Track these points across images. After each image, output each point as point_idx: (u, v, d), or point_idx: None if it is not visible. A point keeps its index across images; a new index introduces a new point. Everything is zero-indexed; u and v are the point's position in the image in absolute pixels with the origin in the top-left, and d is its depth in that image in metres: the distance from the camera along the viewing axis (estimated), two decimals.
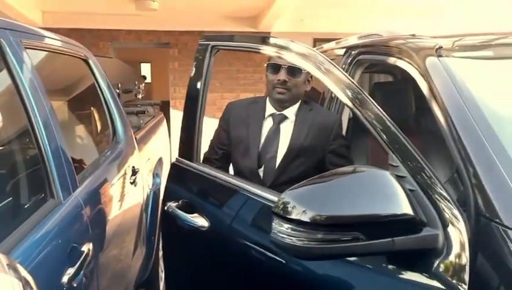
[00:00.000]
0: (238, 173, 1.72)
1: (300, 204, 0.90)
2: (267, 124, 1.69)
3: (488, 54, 1.43)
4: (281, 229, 0.92)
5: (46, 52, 1.70)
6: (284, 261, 1.26)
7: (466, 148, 0.97)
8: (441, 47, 1.33)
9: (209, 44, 1.62)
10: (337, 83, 1.18)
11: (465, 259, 0.86)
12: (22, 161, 1.31)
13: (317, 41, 6.43)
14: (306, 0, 5.30)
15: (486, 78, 1.28)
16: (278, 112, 1.69)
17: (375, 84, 2.16)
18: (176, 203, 1.55)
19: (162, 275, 2.80)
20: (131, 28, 6.55)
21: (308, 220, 0.88)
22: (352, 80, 1.19)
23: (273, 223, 0.95)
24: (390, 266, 0.99)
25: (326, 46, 2.55)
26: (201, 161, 1.70)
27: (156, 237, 2.70)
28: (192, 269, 1.59)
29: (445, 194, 0.92)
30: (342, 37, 2.35)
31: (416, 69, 1.30)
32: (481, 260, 0.84)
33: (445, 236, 0.89)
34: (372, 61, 1.82)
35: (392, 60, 1.50)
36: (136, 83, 3.87)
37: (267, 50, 1.44)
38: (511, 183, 0.87)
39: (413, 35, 1.60)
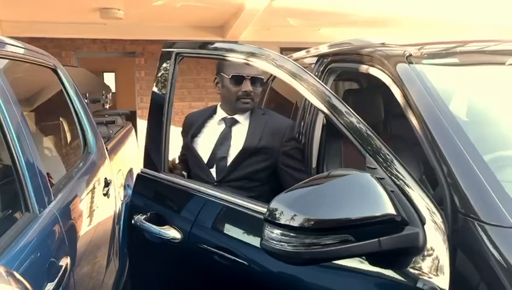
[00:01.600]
0: (193, 176, 1.75)
1: (290, 209, 0.91)
2: (220, 128, 1.76)
3: (453, 60, 1.52)
4: (272, 236, 0.93)
5: (14, 62, 1.65)
6: (259, 270, 1.27)
7: (440, 149, 1.02)
8: (411, 54, 1.40)
9: (173, 51, 1.60)
10: (312, 90, 1.21)
11: (445, 255, 0.90)
12: None
13: (284, 50, 6.55)
14: (272, 10, 5.40)
15: (454, 82, 1.36)
16: (230, 116, 1.76)
17: (346, 91, 2.22)
18: (144, 216, 1.51)
19: None
20: (96, 36, 6.43)
21: (298, 225, 0.89)
22: (327, 87, 1.23)
23: (265, 230, 0.95)
24: (370, 266, 1.02)
25: (295, 55, 2.59)
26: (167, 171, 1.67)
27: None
28: (164, 283, 1.56)
29: (422, 193, 0.97)
30: (307, 46, 2.41)
31: (388, 75, 1.36)
32: (461, 256, 0.89)
33: (425, 234, 0.93)
34: (344, 69, 1.87)
35: (364, 68, 1.55)
36: (103, 92, 3.80)
37: (234, 57, 1.45)
38: (485, 181, 0.92)
39: (383, 43, 1.67)
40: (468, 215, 0.90)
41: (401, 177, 1.01)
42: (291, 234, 0.90)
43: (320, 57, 2.05)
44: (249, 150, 1.68)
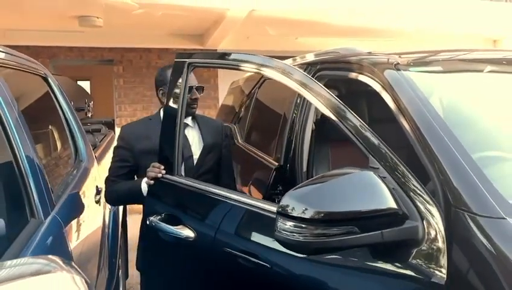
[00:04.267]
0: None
1: (301, 204, 1.00)
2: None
3: (437, 68, 1.62)
4: (285, 227, 1.00)
5: (9, 70, 1.65)
6: (269, 266, 1.32)
7: (432, 148, 1.11)
8: (398, 62, 1.49)
9: (186, 61, 1.68)
10: (320, 98, 1.29)
11: (442, 246, 0.98)
12: (1, 179, 1.26)
13: None
14: (252, 19, 5.49)
15: (439, 88, 1.46)
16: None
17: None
18: (159, 217, 1.57)
19: None
20: (74, 44, 6.34)
21: (309, 217, 0.97)
22: (333, 95, 1.31)
23: (277, 223, 1.02)
24: (374, 259, 1.10)
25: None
26: (104, 182, 1.82)
27: (117, 259, 2.63)
28: (177, 279, 1.61)
29: (420, 189, 1.05)
30: (285, 55, 2.49)
31: (378, 82, 1.45)
32: (455, 246, 0.97)
33: (424, 227, 1.01)
34: (332, 77, 1.96)
35: (353, 75, 1.64)
36: (86, 101, 3.77)
37: (246, 67, 1.52)
38: (474, 176, 1.01)
39: (370, 52, 1.77)
40: (459, 208, 0.98)
41: (401, 176, 1.10)
42: (303, 226, 0.98)
43: (308, 65, 2.13)
44: (207, 147, 2.01)
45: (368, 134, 1.18)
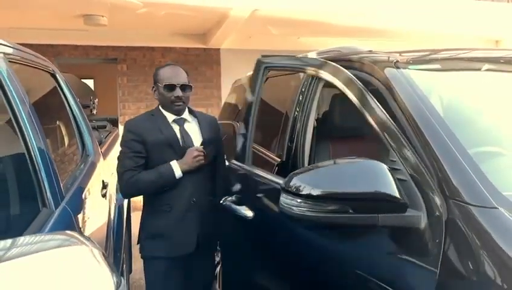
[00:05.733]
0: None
1: (309, 184, 1.11)
2: (175, 128, 2.09)
3: (437, 66, 1.67)
4: (290, 203, 1.13)
5: (23, 66, 1.70)
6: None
7: (430, 144, 1.16)
8: (398, 61, 1.54)
9: (263, 64, 1.96)
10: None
11: (440, 236, 1.03)
12: (13, 169, 1.31)
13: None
14: (255, 19, 5.53)
15: (439, 85, 1.50)
16: (178, 117, 2.11)
17: (334, 95, 2.35)
18: (230, 198, 1.87)
19: None
20: (78, 43, 6.40)
21: (316, 195, 1.09)
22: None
23: (281, 198, 1.16)
24: (382, 241, 1.18)
25: None
26: (120, 176, 1.97)
27: (122, 253, 2.67)
28: (241, 250, 1.94)
29: (431, 184, 1.10)
30: (287, 54, 2.54)
31: (378, 80, 1.49)
32: (451, 234, 1.02)
33: (427, 218, 1.07)
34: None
35: (354, 73, 1.68)
36: (91, 98, 3.83)
37: (322, 73, 1.72)
38: (469, 169, 1.05)
39: (370, 51, 1.81)
40: (455, 198, 1.03)
41: (414, 170, 1.16)
42: (309, 203, 1.10)
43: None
44: (206, 141, 2.10)
45: (393, 130, 1.26)
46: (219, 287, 3.21)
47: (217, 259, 3.27)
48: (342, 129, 2.17)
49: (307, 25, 6.12)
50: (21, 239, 0.77)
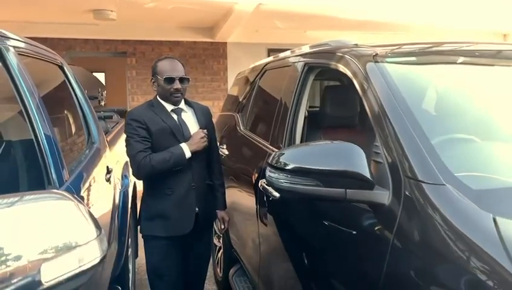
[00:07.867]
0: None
1: (287, 160, 1.29)
2: (174, 117, 2.26)
3: (413, 59, 1.77)
4: (273, 176, 1.30)
5: (29, 58, 1.84)
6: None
7: (395, 129, 1.27)
8: (377, 54, 1.64)
9: (303, 62, 2.14)
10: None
11: (398, 210, 1.15)
12: (23, 153, 1.46)
13: (271, 51, 6.79)
14: (260, 12, 5.62)
15: (413, 77, 1.61)
16: (176, 107, 2.28)
17: (326, 87, 2.46)
18: (265, 181, 1.99)
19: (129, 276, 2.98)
20: (89, 37, 6.57)
21: (290, 169, 1.27)
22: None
23: (266, 172, 1.32)
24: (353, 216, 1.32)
25: (282, 54, 2.83)
26: (136, 154, 2.12)
27: (126, 237, 2.82)
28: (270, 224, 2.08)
29: (399, 166, 1.22)
30: (293, 47, 2.65)
31: (357, 72, 1.60)
32: (405, 208, 1.14)
33: (392, 196, 1.19)
34: (321, 67, 2.12)
35: (336, 66, 1.79)
36: (99, 90, 3.98)
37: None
38: (425, 152, 1.17)
39: (356, 44, 1.91)
40: (410, 177, 1.15)
41: (390, 156, 1.28)
42: (280, 174, 1.29)
43: (301, 56, 2.29)
44: (203, 128, 2.27)
45: (385, 122, 1.37)
46: (220, 271, 3.35)
47: (218, 245, 3.40)
48: (333, 119, 2.30)
49: (313, 18, 6.19)
50: (11, 195, 0.88)
